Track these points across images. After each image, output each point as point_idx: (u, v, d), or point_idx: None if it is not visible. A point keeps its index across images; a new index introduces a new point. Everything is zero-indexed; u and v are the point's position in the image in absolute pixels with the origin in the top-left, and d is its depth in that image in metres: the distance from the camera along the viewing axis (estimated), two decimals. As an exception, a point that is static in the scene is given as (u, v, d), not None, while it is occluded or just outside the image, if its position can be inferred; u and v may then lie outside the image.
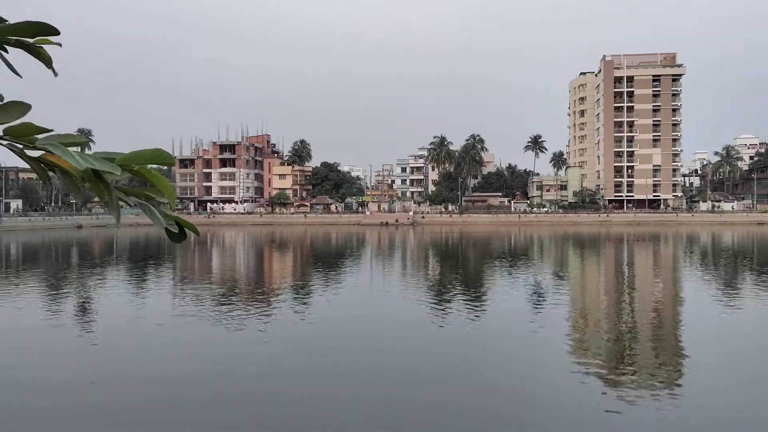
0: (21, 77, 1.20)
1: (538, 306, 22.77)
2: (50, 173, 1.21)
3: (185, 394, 12.12)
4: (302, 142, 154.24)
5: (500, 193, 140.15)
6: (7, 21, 1.17)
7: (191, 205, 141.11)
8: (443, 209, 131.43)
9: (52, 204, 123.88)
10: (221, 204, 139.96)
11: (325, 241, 68.62)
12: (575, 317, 20.71)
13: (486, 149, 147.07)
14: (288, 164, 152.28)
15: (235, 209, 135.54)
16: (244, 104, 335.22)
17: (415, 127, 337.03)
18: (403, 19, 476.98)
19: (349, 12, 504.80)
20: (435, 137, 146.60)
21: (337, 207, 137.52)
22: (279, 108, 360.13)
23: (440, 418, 10.74)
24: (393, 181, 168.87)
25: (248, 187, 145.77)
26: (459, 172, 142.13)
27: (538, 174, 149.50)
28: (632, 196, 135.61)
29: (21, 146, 1.15)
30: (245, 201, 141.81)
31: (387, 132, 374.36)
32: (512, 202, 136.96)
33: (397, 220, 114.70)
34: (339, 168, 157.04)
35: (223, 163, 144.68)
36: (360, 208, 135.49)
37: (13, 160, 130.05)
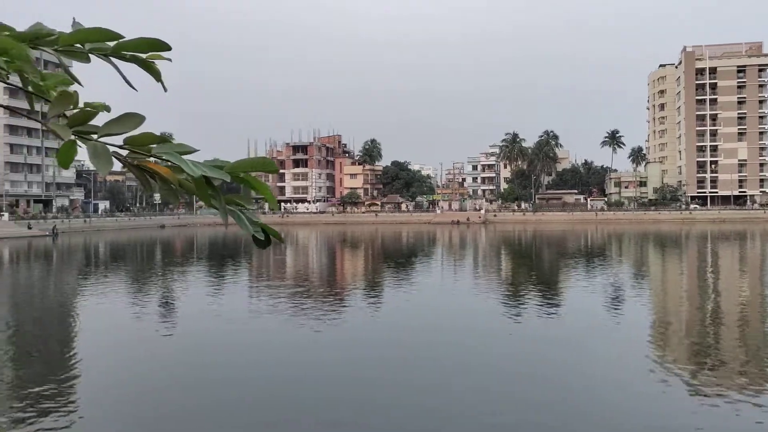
0: (137, 90, 1.27)
1: (616, 306, 22.09)
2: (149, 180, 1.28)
3: (249, 394, 12.44)
4: (373, 141, 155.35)
5: (576, 191, 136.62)
6: (81, 26, 1.25)
7: (266, 205, 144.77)
8: (516, 207, 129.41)
9: (137, 205, 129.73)
10: (294, 204, 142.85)
11: (396, 240, 68.88)
12: (656, 319, 19.97)
13: (560, 145, 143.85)
14: (359, 164, 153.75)
15: (307, 209, 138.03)
16: (316, 105, 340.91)
17: (487, 125, 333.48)
18: (481, 19, 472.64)
19: (424, 7, 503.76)
20: (507, 134, 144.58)
21: (407, 206, 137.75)
22: (349, 108, 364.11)
23: (521, 415, 10.60)
24: (464, 180, 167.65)
25: (320, 187, 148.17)
26: (532, 169, 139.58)
27: (615, 170, 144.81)
28: (716, 193, 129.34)
29: (125, 154, 1.22)
30: (317, 200, 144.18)
31: (458, 130, 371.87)
32: (588, 199, 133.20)
33: (468, 219, 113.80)
34: (409, 167, 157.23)
35: (296, 163, 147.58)
36: (430, 207, 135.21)
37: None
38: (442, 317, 20.27)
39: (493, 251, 52.03)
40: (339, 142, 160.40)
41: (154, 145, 1.18)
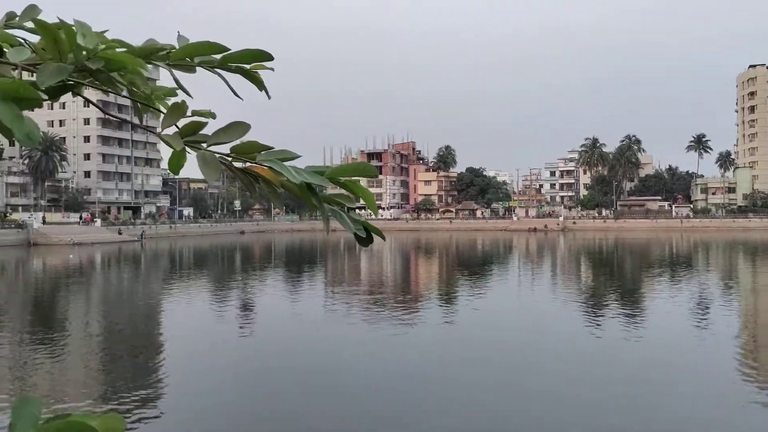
0: (242, 99, 1.32)
1: (704, 319, 21.04)
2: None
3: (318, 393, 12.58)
4: (447, 147, 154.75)
5: (659, 197, 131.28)
6: (187, 41, 1.31)
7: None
8: (596, 214, 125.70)
9: (219, 212, 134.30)
10: (369, 211, 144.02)
11: (471, 247, 68.28)
12: (747, 334, 18.90)
13: (643, 150, 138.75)
14: (433, 170, 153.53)
15: (381, 215, 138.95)
16: (390, 113, 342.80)
17: (565, 130, 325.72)
18: (560, 17, 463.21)
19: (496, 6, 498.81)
20: (586, 139, 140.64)
21: (483, 212, 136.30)
22: (423, 116, 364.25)
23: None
24: (541, 186, 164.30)
25: (394, 194, 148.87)
26: (613, 175, 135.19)
27: (702, 176, 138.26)
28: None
29: (230, 159, 1.27)
30: (391, 207, 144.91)
31: (534, 136, 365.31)
32: (673, 206, 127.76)
33: (546, 226, 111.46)
34: (484, 173, 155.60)
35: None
36: (507, 214, 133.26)
37: (186, 172, 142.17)
38: (516, 331, 19.91)
39: (572, 259, 50.72)
40: (413, 148, 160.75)
41: (258, 153, 1.22)
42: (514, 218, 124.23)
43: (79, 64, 1.10)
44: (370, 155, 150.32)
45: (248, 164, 1.26)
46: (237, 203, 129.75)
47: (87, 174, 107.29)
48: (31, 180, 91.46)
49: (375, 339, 17.61)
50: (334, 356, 15.63)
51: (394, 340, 17.51)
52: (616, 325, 19.33)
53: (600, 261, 49.78)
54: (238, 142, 1.21)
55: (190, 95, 1.28)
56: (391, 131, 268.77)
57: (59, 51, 1.09)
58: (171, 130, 1.25)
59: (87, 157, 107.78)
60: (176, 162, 1.34)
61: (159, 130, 1.21)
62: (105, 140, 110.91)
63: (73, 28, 1.10)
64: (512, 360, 15.24)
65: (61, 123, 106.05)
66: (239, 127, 1.22)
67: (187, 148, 1.18)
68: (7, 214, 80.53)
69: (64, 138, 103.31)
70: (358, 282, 33.59)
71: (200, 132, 1.19)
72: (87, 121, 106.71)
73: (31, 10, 1.65)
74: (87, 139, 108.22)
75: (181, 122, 1.25)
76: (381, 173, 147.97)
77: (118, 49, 1.19)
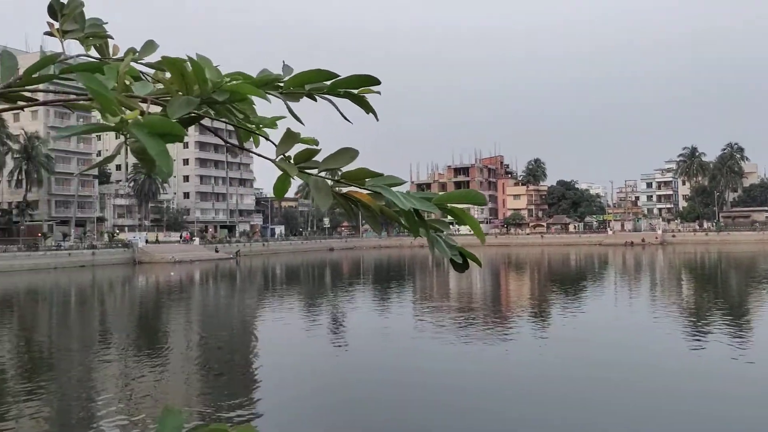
0: (352, 123, 1.35)
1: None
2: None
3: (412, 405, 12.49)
4: (536, 161, 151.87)
5: (766, 208, 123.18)
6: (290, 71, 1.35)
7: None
8: (697, 227, 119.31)
9: (308, 229, 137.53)
10: (456, 226, 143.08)
11: (564, 262, 66.39)
12: None
13: (746, 159, 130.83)
14: (522, 184, 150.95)
15: (470, 231, 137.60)
16: (478, 128, 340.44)
17: (660, 140, 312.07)
18: (651, 25, 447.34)
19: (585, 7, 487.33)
20: (684, 148, 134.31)
21: (575, 226, 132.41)
22: (511, 129, 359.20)
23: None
24: (637, 198, 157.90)
25: (483, 209, 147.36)
26: (715, 185, 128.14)
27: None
28: None
29: (331, 183, 1.29)
30: (480, 222, 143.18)
31: (628, 147, 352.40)
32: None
33: (643, 240, 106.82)
34: (576, 186, 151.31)
35: (458, 185, 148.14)
36: (601, 228, 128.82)
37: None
38: (613, 347, 19.11)
39: (673, 275, 48.32)
40: (501, 162, 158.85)
41: (367, 179, 1.24)
42: (609, 232, 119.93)
43: (205, 96, 1.16)
44: (457, 170, 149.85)
45: (348, 189, 1.29)
46: (326, 221, 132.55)
47: (186, 195, 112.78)
48: (136, 202, 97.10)
49: (464, 354, 17.40)
50: (424, 371, 15.55)
51: (484, 355, 17.24)
52: (721, 345, 18.19)
53: (703, 276, 47.11)
54: (346, 168, 1.24)
55: (301, 122, 1.32)
56: (479, 145, 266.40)
57: (186, 85, 1.15)
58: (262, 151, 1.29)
59: (186, 179, 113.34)
60: (281, 187, 1.38)
61: (273, 156, 1.25)
62: (202, 162, 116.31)
63: (199, 63, 1.15)
64: (610, 377, 14.64)
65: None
66: (347, 153, 1.25)
67: (281, 170, 1.22)
68: (115, 234, 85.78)
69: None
70: (447, 297, 33.36)
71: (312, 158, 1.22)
72: (186, 145, 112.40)
73: (149, 46, 1.75)
74: (186, 161, 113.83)
75: (278, 145, 1.29)
76: (468, 188, 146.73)
77: (236, 81, 1.25)
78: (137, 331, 24.22)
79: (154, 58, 1.68)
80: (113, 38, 1.84)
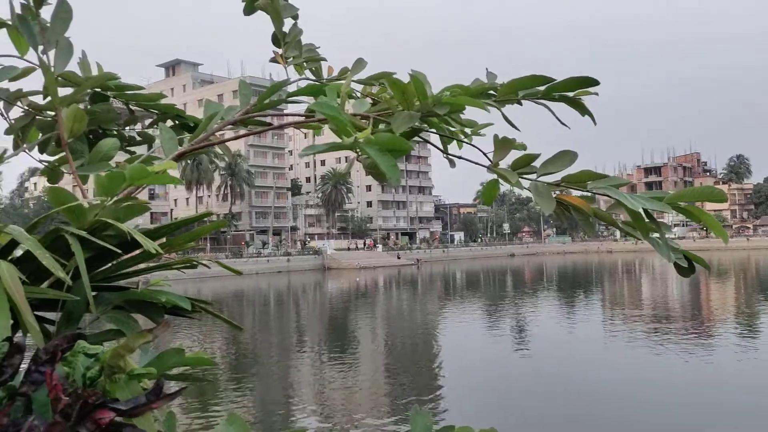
0: (569, 128, 1.33)
1: None
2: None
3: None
4: (739, 157, 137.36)
5: None
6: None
7: (617, 232, 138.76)
8: None
9: (488, 235, 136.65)
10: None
11: (777, 268, 59.20)
12: None
13: None
14: (722, 183, 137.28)
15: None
16: (669, 126, 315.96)
17: None
18: None
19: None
20: None
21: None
22: (709, 124, 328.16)
23: None
24: None
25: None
26: None
27: None
28: None
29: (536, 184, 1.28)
30: (675, 225, 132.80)
31: None
32: None
33: None
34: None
35: (649, 186, 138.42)
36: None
37: (456, 198, 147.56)
38: None
39: None
40: (698, 160, 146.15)
41: (589, 181, 1.22)
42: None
43: (425, 111, 1.22)
44: (648, 170, 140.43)
45: (558, 193, 1.26)
46: (506, 226, 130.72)
47: (369, 204, 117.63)
48: (324, 211, 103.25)
49: (659, 366, 16.18)
50: (615, 384, 14.71)
51: (679, 369, 15.90)
52: None
53: None
54: (566, 171, 1.22)
55: (518, 129, 1.33)
56: (671, 143, 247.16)
57: (406, 101, 1.22)
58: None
59: (368, 188, 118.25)
60: (490, 193, 1.40)
61: (489, 164, 1.27)
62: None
63: (419, 78, 1.21)
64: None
65: (347, 159, 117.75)
66: (566, 157, 1.23)
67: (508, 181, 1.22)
68: (306, 242, 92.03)
69: (349, 172, 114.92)
70: (640, 306, 31.27)
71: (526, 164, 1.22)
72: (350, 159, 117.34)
73: (359, 64, 1.87)
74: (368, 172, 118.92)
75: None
76: (661, 188, 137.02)
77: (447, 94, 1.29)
78: (331, 332, 25.73)
79: (357, 74, 1.80)
80: (326, 60, 1.99)
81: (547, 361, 17.94)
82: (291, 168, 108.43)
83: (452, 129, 1.44)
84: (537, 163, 1.25)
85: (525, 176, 1.23)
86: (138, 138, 1.95)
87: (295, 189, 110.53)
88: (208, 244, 78.09)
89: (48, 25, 1.44)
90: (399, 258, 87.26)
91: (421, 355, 19.87)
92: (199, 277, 52.74)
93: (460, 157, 1.34)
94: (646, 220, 1.23)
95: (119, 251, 1.02)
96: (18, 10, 1.44)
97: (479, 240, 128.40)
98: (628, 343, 20.09)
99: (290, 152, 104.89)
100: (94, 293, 1.02)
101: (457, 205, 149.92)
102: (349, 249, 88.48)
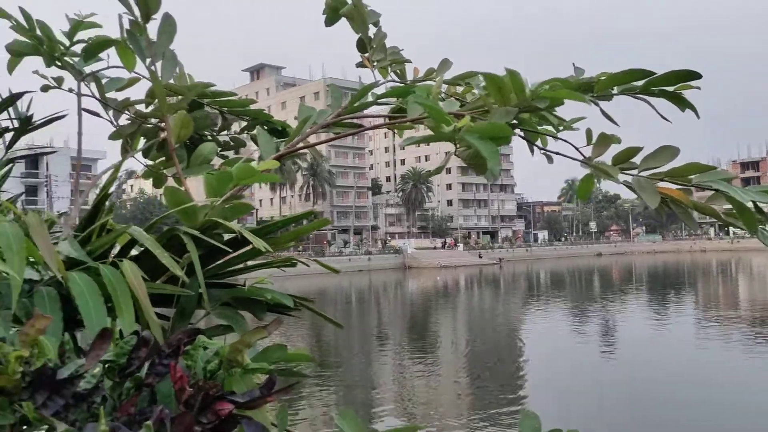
0: (671, 122, 1.29)
1: None
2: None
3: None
4: None
5: None
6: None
7: (711, 230, 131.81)
8: None
9: (573, 234, 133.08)
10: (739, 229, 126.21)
11: None
12: None
13: None
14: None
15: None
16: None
17: None
18: None
19: None
20: None
21: None
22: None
23: None
24: None
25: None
26: None
27: None
28: None
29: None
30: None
31: None
32: None
33: None
34: None
35: (746, 182, 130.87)
36: None
37: (540, 196, 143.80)
38: None
39: None
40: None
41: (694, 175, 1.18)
42: None
43: (523, 105, 1.21)
44: (745, 165, 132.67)
45: (656, 185, 1.23)
46: (592, 225, 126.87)
47: (449, 202, 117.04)
48: (404, 210, 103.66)
49: (756, 371, 15.28)
50: (710, 388, 14.00)
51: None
52: None
53: None
54: (669, 165, 1.18)
55: (617, 124, 1.30)
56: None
57: (503, 96, 1.21)
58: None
59: (449, 187, 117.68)
60: (586, 189, 1.37)
61: (586, 158, 1.25)
62: (464, 170, 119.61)
63: (516, 76, 1.20)
64: None
65: (426, 158, 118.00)
66: (667, 151, 1.19)
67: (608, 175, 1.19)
68: (387, 241, 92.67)
69: (429, 171, 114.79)
70: (737, 307, 29.62)
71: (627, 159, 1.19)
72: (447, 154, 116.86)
73: (444, 65, 1.88)
74: (448, 170, 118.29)
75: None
76: (759, 184, 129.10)
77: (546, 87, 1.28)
78: (416, 331, 25.82)
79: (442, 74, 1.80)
80: (411, 62, 2.01)
81: (637, 365, 17.32)
82: (371, 168, 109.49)
83: (545, 125, 1.42)
84: (636, 159, 1.22)
85: (625, 171, 1.20)
86: (231, 143, 2.04)
87: (376, 188, 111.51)
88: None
89: (154, 39, 1.53)
90: (480, 257, 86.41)
91: (503, 357, 19.63)
92: (284, 276, 54.05)
93: (557, 153, 1.32)
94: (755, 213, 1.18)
95: (229, 249, 1.07)
96: (126, 25, 1.53)
97: (564, 239, 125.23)
98: (724, 347, 19.12)
99: (370, 152, 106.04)
100: (204, 290, 1.07)
101: (540, 204, 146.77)
102: (435, 248, 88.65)
